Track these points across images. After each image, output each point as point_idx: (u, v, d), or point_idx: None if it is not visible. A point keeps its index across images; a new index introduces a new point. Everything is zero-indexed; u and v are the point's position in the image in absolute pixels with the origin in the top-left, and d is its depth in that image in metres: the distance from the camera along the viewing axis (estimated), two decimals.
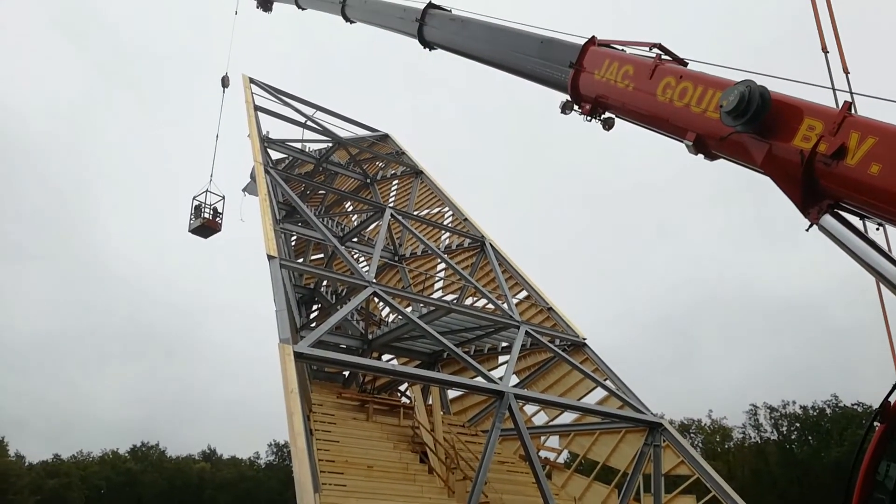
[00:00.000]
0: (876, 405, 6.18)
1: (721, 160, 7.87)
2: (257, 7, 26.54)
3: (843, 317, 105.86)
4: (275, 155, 26.58)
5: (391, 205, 25.35)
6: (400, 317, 18.01)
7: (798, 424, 59.36)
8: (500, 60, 12.19)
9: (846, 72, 8.21)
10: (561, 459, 19.05)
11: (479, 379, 14.89)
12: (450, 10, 14.20)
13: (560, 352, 17.42)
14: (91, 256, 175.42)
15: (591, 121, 9.74)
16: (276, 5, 25.91)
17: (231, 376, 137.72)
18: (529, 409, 19.03)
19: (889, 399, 5.99)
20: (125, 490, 73.53)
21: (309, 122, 25.80)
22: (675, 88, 8.13)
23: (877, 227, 6.44)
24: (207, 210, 24.60)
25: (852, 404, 56.69)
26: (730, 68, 7.97)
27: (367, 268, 17.89)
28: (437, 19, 14.22)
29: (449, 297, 21.86)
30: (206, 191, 24.69)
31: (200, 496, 73.62)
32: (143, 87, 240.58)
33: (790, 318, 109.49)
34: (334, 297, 22.77)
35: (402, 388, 21.13)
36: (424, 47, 14.75)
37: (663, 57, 8.79)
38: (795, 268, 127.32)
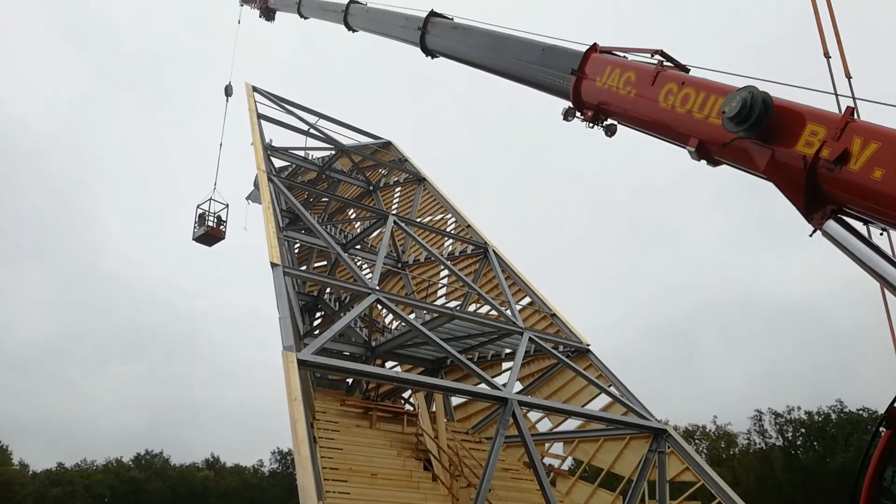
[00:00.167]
0: (881, 410, 6.16)
1: (724, 166, 7.88)
2: (260, 17, 26.76)
3: (844, 320, 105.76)
4: (278, 163, 26.61)
5: (394, 212, 25.39)
6: (403, 324, 17.99)
7: (803, 430, 59.11)
8: (501, 68, 12.24)
9: (848, 76, 8.23)
10: (565, 466, 18.95)
11: (483, 385, 14.88)
12: (451, 19, 14.26)
13: (564, 358, 17.39)
14: (91, 257, 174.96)
15: (593, 127, 9.75)
16: (278, 15, 26.11)
17: (231, 377, 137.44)
18: (533, 415, 18.96)
19: (895, 404, 5.97)
20: (129, 498, 73.22)
21: (312, 130, 25.85)
22: (678, 95, 8.14)
23: (880, 232, 6.44)
24: (211, 218, 24.69)
25: (858, 410, 56.53)
26: (732, 74, 7.95)
27: (370, 275, 17.90)
28: (439, 28, 14.28)
29: (452, 304, 21.83)
30: (210, 199, 24.81)
31: None
32: (143, 88, 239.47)
33: (791, 321, 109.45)
34: (337, 304, 22.75)
35: (406, 395, 21.07)
36: (427, 55, 14.81)
37: (665, 63, 8.82)
38: (797, 270, 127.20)
